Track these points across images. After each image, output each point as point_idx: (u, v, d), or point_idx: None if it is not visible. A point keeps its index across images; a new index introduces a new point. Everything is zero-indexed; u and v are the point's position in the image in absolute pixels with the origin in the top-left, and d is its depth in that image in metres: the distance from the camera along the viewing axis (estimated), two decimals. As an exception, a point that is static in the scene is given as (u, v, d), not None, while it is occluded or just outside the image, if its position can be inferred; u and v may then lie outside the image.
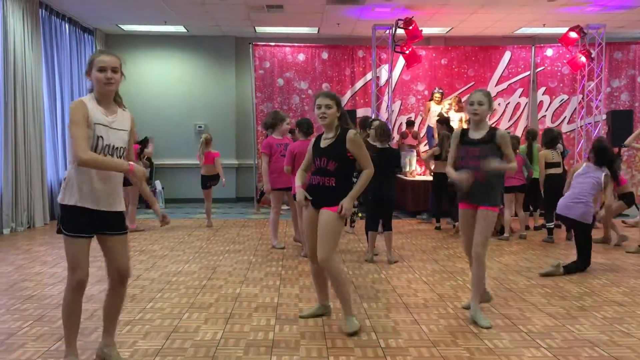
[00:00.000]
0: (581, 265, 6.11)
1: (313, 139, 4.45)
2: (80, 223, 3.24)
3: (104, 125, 3.25)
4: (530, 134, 8.96)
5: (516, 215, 8.41)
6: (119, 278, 3.45)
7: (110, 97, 3.34)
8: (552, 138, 8.08)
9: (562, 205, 6.30)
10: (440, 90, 11.78)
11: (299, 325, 4.29)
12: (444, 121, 9.35)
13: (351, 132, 4.18)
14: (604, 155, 6.37)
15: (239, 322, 4.37)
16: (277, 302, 4.93)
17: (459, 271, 6.16)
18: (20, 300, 4.95)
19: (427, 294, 5.22)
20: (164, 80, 12.60)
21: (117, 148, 3.32)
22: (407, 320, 4.44)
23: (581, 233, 6.17)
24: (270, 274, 5.98)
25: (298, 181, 4.37)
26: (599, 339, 4.05)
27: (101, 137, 3.24)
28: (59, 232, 3.31)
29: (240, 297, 5.07)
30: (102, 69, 3.25)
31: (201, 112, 12.67)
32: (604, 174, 6.27)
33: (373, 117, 9.99)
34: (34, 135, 9.04)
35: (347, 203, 4.11)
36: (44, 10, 9.71)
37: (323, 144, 4.27)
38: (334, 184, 4.16)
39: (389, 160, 6.61)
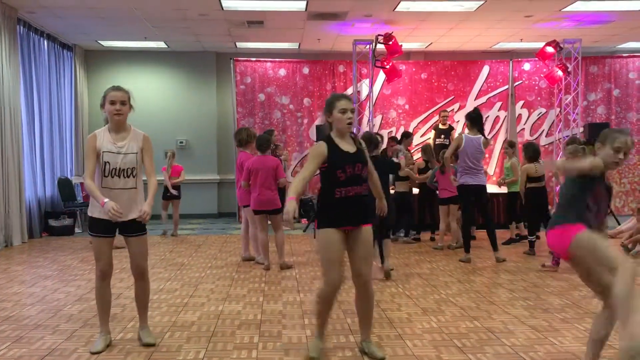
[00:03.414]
0: None
1: (322, 145, 3.83)
2: (99, 227, 4.01)
3: (111, 152, 3.95)
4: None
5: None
6: (136, 272, 4.14)
7: (121, 125, 4.00)
8: (534, 151, 8.16)
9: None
10: None
11: (282, 343, 4.26)
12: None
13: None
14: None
15: (221, 341, 4.32)
16: (260, 319, 4.89)
17: (442, 285, 6.17)
18: (-2, 321, 4.84)
19: (410, 308, 5.22)
20: (145, 96, 12.50)
21: (124, 170, 3.98)
22: (391, 335, 4.43)
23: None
24: (253, 291, 5.93)
25: (293, 192, 3.67)
26: (582, 351, 4.05)
27: (107, 162, 3.94)
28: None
29: (223, 315, 5.02)
30: (112, 102, 3.92)
31: (182, 127, 12.61)
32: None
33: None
34: (12, 152, 8.91)
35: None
36: (22, 27, 9.62)
37: (348, 149, 3.85)
38: (368, 193, 3.95)
39: (381, 169, 6.61)
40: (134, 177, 4.03)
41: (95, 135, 3.99)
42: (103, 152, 3.93)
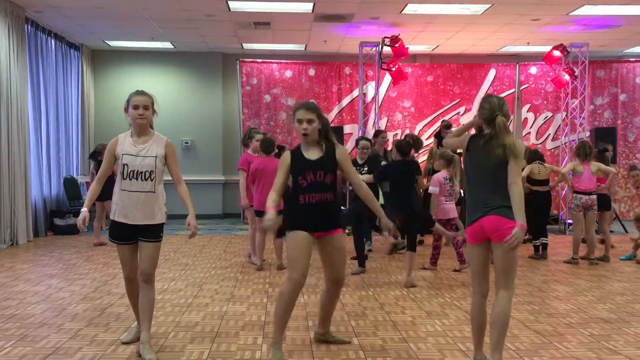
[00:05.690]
0: None
1: (287, 156, 4.07)
2: (117, 233, 4.01)
3: (130, 155, 3.93)
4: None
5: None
6: (142, 278, 3.98)
7: (143, 129, 4.00)
8: (534, 152, 8.11)
9: None
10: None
11: (286, 343, 4.25)
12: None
13: (341, 147, 4.07)
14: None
15: (225, 341, 4.32)
16: (264, 320, 4.89)
17: (447, 288, 6.16)
18: (2, 319, 4.85)
19: (414, 311, 5.21)
20: (151, 96, 12.54)
21: (142, 172, 3.94)
22: (395, 338, 4.42)
23: None
24: (257, 292, 5.93)
25: (271, 202, 3.87)
26: (587, 356, 4.05)
27: (126, 164, 3.93)
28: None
29: (227, 315, 5.03)
30: (135, 107, 3.93)
31: (188, 128, 12.63)
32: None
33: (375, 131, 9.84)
34: (18, 151, 8.94)
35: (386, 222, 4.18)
36: (29, 26, 9.66)
37: (310, 156, 3.97)
38: (332, 199, 3.97)
39: (410, 172, 6.57)
40: (151, 180, 3.94)
41: (117, 139, 4.02)
42: (123, 154, 3.94)
